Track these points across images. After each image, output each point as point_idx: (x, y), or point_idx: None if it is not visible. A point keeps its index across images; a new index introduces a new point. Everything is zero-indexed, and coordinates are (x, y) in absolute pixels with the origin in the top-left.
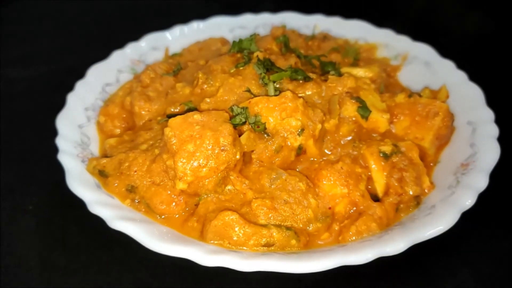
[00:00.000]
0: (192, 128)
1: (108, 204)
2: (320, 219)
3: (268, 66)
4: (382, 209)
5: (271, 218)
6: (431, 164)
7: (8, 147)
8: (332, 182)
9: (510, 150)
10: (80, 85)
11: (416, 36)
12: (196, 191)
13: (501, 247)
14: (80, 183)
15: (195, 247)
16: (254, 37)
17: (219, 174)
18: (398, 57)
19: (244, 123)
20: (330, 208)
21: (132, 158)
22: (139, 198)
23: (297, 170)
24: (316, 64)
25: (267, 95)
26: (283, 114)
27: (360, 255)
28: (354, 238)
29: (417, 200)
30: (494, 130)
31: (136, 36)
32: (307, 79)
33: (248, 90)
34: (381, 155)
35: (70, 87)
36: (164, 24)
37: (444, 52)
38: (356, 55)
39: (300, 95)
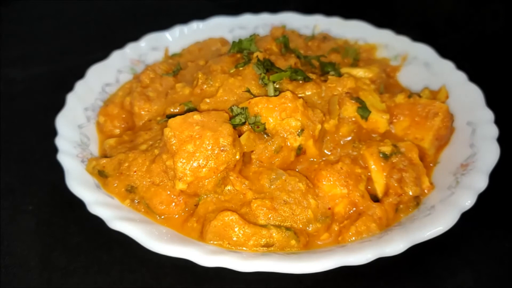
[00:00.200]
0: (192, 128)
1: (107, 205)
2: (319, 219)
3: (268, 67)
4: (382, 209)
5: (271, 218)
6: (431, 164)
7: (8, 147)
8: (331, 182)
9: (509, 150)
10: (79, 85)
11: (416, 36)
12: (196, 192)
13: (501, 247)
14: (80, 183)
15: (195, 248)
16: (254, 38)
17: (219, 175)
18: (398, 57)
19: (243, 123)
20: (329, 208)
21: (132, 158)
22: (139, 198)
23: (297, 170)
24: (316, 64)
25: (266, 95)
26: (282, 114)
27: (359, 256)
28: (353, 238)
29: (417, 201)
30: (494, 131)
31: (136, 36)
32: (306, 79)
33: (248, 91)
34: (381, 155)
35: (70, 87)
36: (164, 24)
37: (444, 52)
38: (355, 56)
39: (300, 95)
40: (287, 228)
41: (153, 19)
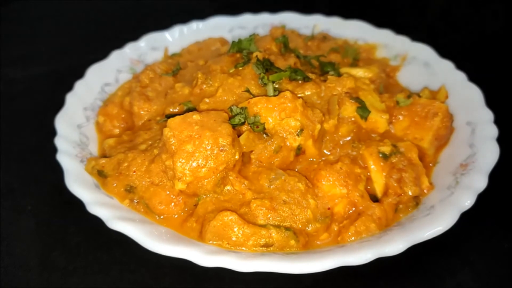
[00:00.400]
0: (191, 128)
1: (107, 204)
2: (319, 219)
3: (268, 66)
4: (381, 209)
5: (270, 218)
6: (430, 164)
7: (8, 147)
8: (331, 182)
9: (509, 150)
10: (79, 85)
11: (416, 36)
12: (195, 192)
13: (500, 247)
14: (79, 183)
15: (194, 248)
16: (253, 37)
17: (218, 175)
18: (398, 57)
19: (243, 123)
20: (329, 208)
21: (131, 158)
22: (138, 198)
23: (296, 170)
24: (315, 64)
25: (266, 95)
26: (282, 114)
27: (359, 256)
28: (353, 238)
29: (416, 201)
30: (493, 131)
31: (135, 36)
32: (306, 79)
33: (247, 90)
34: (380, 155)
35: (70, 87)
36: (164, 24)
37: (444, 52)
38: (355, 56)
39: (299, 95)
40: (287, 228)
41: (153, 19)
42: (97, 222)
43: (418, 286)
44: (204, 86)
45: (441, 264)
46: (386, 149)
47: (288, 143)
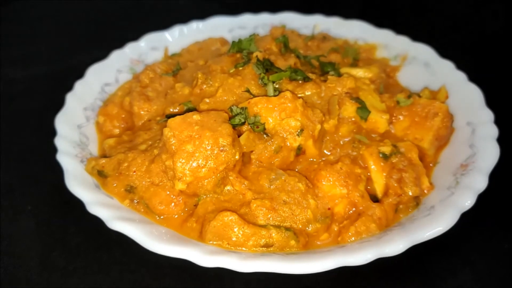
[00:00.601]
0: (191, 128)
1: (107, 205)
2: (319, 219)
3: (268, 67)
4: (382, 209)
5: (270, 218)
6: (431, 164)
7: (8, 147)
8: (331, 182)
9: (509, 151)
10: (79, 85)
11: (416, 36)
12: (195, 192)
13: (501, 248)
14: (79, 183)
15: (194, 248)
16: (253, 37)
17: (218, 175)
18: (398, 57)
19: (243, 123)
20: (329, 208)
21: (131, 158)
22: (138, 198)
23: (296, 170)
24: (315, 64)
25: (266, 95)
26: (282, 114)
27: (359, 256)
28: (353, 238)
29: (417, 201)
30: (494, 131)
31: (135, 36)
32: (306, 79)
33: (248, 91)
34: (381, 155)
35: (70, 87)
36: (164, 24)
37: (444, 52)
38: (355, 56)
39: (299, 95)
40: (287, 228)
41: (153, 19)
42: (97, 222)
43: (419, 287)
44: (204, 86)
45: (442, 265)
46: (387, 149)
47: (288, 143)
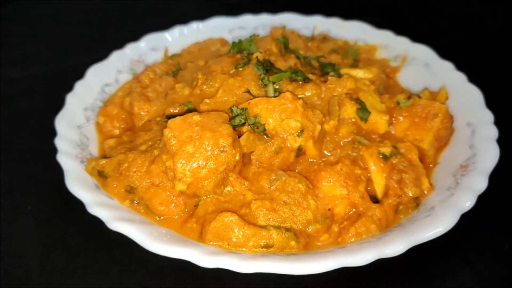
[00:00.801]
0: (192, 129)
1: (107, 205)
2: (319, 220)
3: (268, 67)
4: (382, 210)
5: (271, 219)
6: (431, 165)
7: (8, 147)
8: (331, 183)
9: (509, 151)
10: (79, 86)
11: (416, 36)
12: (196, 192)
13: (500, 248)
14: (79, 184)
15: (194, 248)
16: (253, 38)
17: (219, 175)
18: (398, 58)
19: (243, 124)
20: (329, 209)
21: (131, 159)
22: (138, 199)
23: (297, 171)
24: (315, 65)
25: (266, 96)
26: (282, 115)
27: (359, 257)
28: (353, 239)
29: (417, 202)
30: (494, 132)
31: (135, 36)
32: (306, 80)
33: (248, 91)
34: (381, 156)
35: (70, 87)
36: (164, 24)
37: (444, 53)
38: (355, 56)
39: (299, 96)
40: (287, 229)
41: (153, 19)
42: (97, 222)
43: (418, 287)
44: (205, 86)
45: (442, 265)
46: (387, 150)
47: (288, 144)
